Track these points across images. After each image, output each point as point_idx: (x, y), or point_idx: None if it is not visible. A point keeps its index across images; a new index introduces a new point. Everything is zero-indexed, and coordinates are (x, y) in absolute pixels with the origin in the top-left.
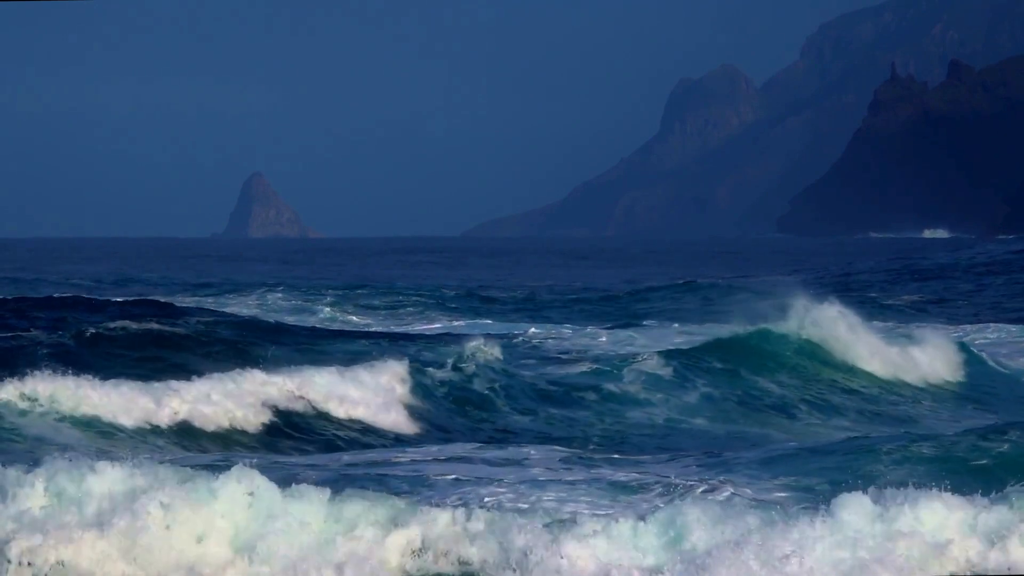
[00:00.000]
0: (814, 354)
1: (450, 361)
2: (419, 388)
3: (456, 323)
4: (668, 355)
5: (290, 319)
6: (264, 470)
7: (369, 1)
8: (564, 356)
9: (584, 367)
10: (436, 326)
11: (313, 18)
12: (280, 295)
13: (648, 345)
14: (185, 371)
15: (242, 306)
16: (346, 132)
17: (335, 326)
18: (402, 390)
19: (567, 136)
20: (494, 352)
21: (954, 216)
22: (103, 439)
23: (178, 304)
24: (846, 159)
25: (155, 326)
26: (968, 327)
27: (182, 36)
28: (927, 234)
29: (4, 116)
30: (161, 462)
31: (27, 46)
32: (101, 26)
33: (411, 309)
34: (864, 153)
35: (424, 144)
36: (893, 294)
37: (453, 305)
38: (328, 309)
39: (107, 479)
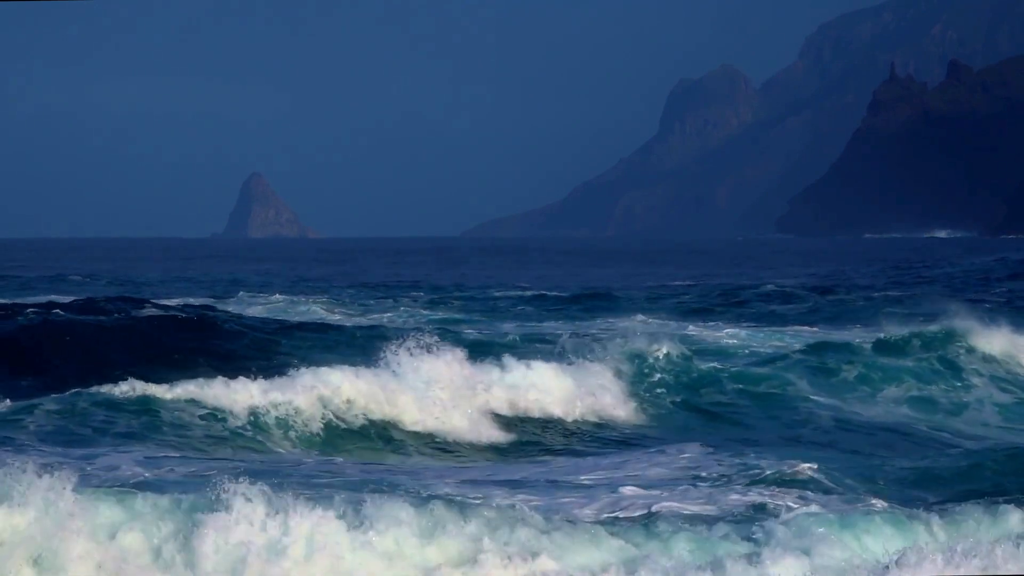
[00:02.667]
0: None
1: (649, 358)
2: (632, 385)
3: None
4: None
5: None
6: None
7: (369, 2)
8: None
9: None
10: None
11: (313, 18)
12: (413, 300)
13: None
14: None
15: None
16: (346, 132)
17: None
18: (617, 387)
19: (567, 136)
20: (679, 349)
21: (953, 216)
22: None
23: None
24: (845, 159)
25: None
26: None
27: (182, 36)
28: (925, 234)
29: (4, 116)
30: None
31: (27, 46)
32: (101, 26)
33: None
34: (863, 153)
35: (424, 144)
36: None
37: (574, 307)
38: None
39: None
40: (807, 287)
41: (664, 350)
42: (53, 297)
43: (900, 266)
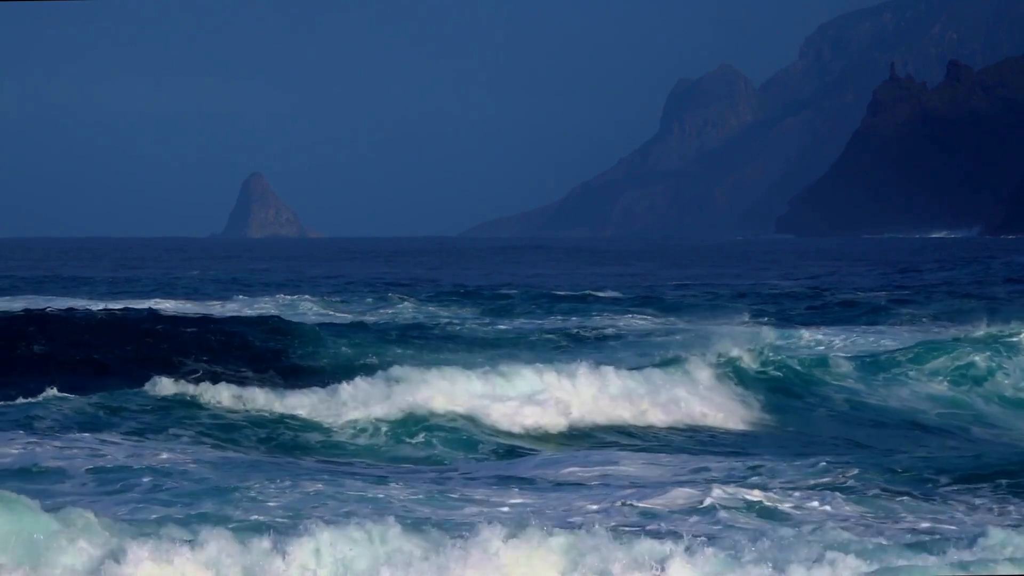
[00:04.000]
0: None
1: (753, 356)
2: (739, 385)
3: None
4: None
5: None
6: None
7: (370, 2)
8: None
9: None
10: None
11: (313, 18)
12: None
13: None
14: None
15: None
16: (346, 132)
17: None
18: (724, 388)
19: (567, 136)
20: (774, 351)
21: (953, 216)
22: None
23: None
24: (845, 159)
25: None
26: None
27: (183, 36)
28: (925, 234)
29: (4, 116)
30: None
31: (27, 46)
32: (101, 26)
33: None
34: (863, 153)
35: (423, 144)
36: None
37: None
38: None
39: None
40: (808, 287)
41: (746, 350)
42: (54, 299)
43: (902, 267)
